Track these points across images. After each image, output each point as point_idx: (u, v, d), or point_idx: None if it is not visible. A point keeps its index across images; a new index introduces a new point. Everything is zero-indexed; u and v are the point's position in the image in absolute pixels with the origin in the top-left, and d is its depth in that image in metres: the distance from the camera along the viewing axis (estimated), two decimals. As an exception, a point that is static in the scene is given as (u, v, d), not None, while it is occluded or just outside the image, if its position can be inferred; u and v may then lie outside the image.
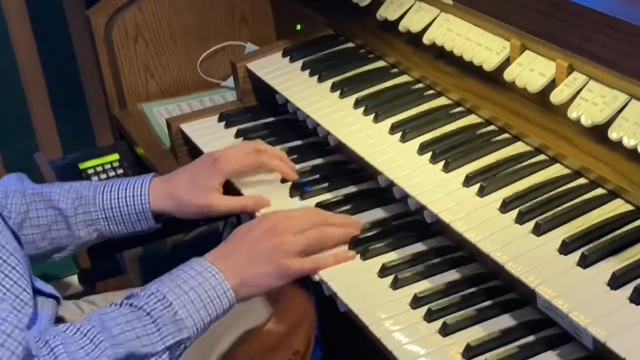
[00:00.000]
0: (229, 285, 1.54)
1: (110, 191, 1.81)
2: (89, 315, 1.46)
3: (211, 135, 2.18)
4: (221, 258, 1.58)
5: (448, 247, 1.68)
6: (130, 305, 1.47)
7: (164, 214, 1.84)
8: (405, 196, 1.71)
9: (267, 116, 2.24)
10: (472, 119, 1.87)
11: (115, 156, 2.43)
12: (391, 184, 1.75)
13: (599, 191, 1.59)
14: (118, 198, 1.80)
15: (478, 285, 1.58)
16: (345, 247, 1.69)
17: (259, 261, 1.59)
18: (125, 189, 1.81)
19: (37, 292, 1.59)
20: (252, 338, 1.80)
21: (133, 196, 1.80)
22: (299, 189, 1.88)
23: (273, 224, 1.64)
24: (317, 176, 1.93)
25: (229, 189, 1.89)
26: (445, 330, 1.47)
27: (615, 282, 1.37)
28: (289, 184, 1.90)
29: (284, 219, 1.65)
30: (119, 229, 1.83)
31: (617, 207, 1.54)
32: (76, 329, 1.41)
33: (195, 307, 1.49)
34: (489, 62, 1.85)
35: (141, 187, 1.81)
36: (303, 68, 2.21)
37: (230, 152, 1.87)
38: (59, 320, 1.69)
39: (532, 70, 1.76)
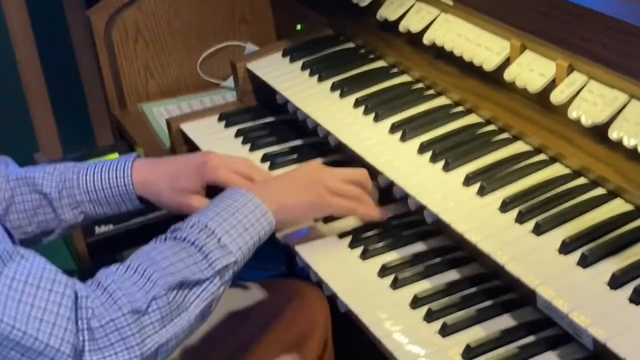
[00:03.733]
0: (266, 208, 1.58)
1: (93, 173, 1.80)
2: (135, 253, 1.48)
3: (211, 135, 2.18)
4: (259, 187, 1.66)
5: (448, 247, 1.68)
6: (175, 238, 1.50)
7: (145, 199, 1.84)
8: (405, 196, 1.71)
9: (267, 116, 2.24)
10: (472, 119, 1.87)
11: (115, 155, 2.43)
12: (391, 184, 1.75)
13: (599, 191, 1.59)
14: (101, 180, 1.79)
15: (478, 285, 1.58)
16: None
17: (298, 190, 1.67)
18: (108, 170, 1.80)
19: None
20: (261, 342, 1.79)
21: (116, 177, 1.79)
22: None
23: (316, 166, 1.75)
24: (317, 176, 1.93)
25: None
26: (445, 331, 1.47)
27: (615, 282, 1.37)
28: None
29: (326, 166, 1.76)
30: (104, 211, 1.82)
31: (617, 207, 1.54)
32: (125, 267, 1.44)
33: (238, 231, 1.52)
34: (489, 62, 1.85)
35: (123, 168, 1.80)
36: (303, 68, 2.21)
37: (224, 162, 1.82)
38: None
39: (532, 70, 1.76)
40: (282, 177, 1.72)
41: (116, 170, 1.79)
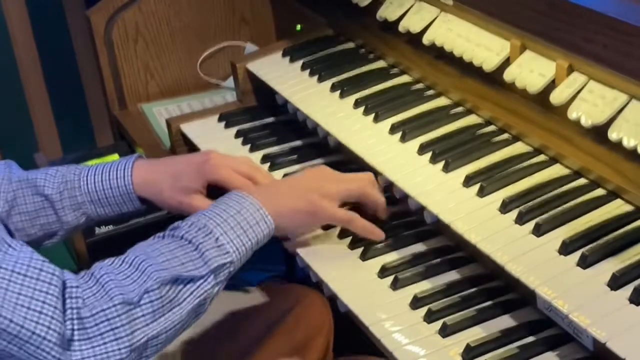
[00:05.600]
0: (266, 211, 1.58)
1: (95, 174, 1.80)
2: (133, 248, 1.49)
3: (211, 136, 2.18)
4: (259, 191, 1.65)
5: (448, 248, 1.68)
6: (172, 236, 1.50)
7: (146, 199, 1.84)
8: (405, 196, 1.71)
9: (267, 116, 2.24)
10: (472, 120, 1.87)
11: (115, 156, 2.43)
12: (391, 184, 1.75)
13: (599, 191, 1.59)
14: (102, 181, 1.80)
15: (478, 285, 1.58)
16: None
17: (296, 197, 1.65)
18: (109, 171, 1.80)
19: None
20: (263, 348, 1.79)
21: (117, 178, 1.80)
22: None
23: (319, 172, 1.74)
24: (317, 176, 1.93)
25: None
26: (445, 331, 1.47)
27: (615, 282, 1.36)
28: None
29: (331, 171, 1.75)
30: (105, 212, 1.82)
31: (617, 207, 1.54)
32: (121, 260, 1.45)
33: (236, 232, 1.52)
34: (489, 62, 1.85)
35: (124, 169, 1.80)
36: (303, 68, 2.21)
37: (226, 161, 1.82)
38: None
39: (532, 70, 1.76)
40: (283, 182, 1.72)
41: (117, 170, 1.79)
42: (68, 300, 1.33)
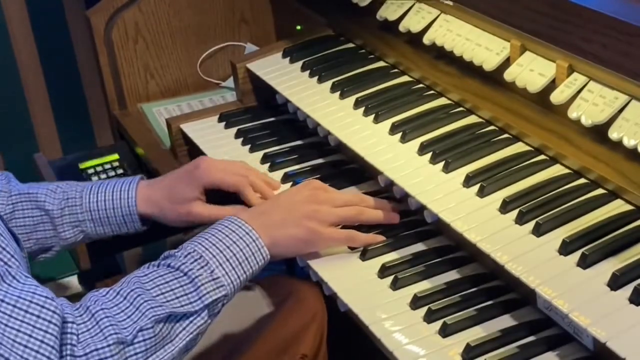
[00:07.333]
0: (262, 242, 1.57)
1: (97, 192, 1.81)
2: (127, 278, 1.48)
3: (211, 136, 2.18)
4: (256, 216, 1.62)
5: (448, 247, 1.68)
6: (168, 266, 1.49)
7: (149, 218, 1.84)
8: (405, 196, 1.71)
9: (267, 116, 2.24)
10: (472, 120, 1.87)
11: (115, 156, 2.44)
12: (391, 184, 1.75)
13: (599, 191, 1.59)
14: (105, 200, 1.80)
15: (478, 285, 1.58)
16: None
17: (293, 224, 1.63)
18: (113, 191, 1.81)
19: None
20: (256, 340, 1.79)
21: (120, 199, 1.80)
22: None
23: (314, 193, 1.70)
24: (318, 176, 1.93)
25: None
26: (445, 331, 1.47)
27: (615, 282, 1.37)
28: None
29: (326, 191, 1.72)
30: (104, 231, 1.83)
31: (617, 207, 1.54)
32: (115, 292, 1.43)
33: (231, 264, 1.52)
34: (489, 62, 1.85)
35: (128, 189, 1.81)
36: (303, 68, 2.21)
37: (217, 163, 1.84)
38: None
39: (532, 70, 1.76)
40: (278, 206, 1.66)
41: (120, 190, 1.81)
42: (64, 337, 1.32)
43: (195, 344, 1.49)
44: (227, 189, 1.84)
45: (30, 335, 1.28)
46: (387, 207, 1.76)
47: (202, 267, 1.49)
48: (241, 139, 2.13)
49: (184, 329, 1.45)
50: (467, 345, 1.42)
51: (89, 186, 1.83)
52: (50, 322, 1.30)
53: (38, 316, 1.29)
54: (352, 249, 1.70)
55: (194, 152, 2.18)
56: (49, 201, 1.79)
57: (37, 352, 1.27)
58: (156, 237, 2.14)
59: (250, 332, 1.80)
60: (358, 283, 1.62)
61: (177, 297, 1.45)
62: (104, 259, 2.35)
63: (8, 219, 1.77)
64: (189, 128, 2.24)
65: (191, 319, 1.45)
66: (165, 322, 1.42)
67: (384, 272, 1.63)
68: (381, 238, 1.70)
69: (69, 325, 1.34)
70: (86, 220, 1.81)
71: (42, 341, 1.28)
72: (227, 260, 1.52)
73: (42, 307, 1.30)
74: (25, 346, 1.27)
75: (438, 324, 1.49)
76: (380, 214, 1.73)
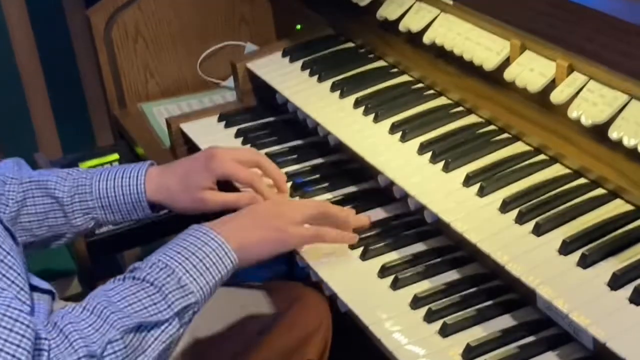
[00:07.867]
0: (230, 247, 1.55)
1: (107, 179, 1.80)
2: (93, 293, 1.46)
3: (211, 135, 2.18)
4: (219, 224, 1.60)
5: (448, 247, 1.68)
6: (134, 278, 1.47)
7: (159, 204, 1.84)
8: (405, 196, 1.71)
9: (267, 116, 2.24)
10: (472, 119, 1.87)
11: (115, 156, 2.44)
12: (391, 184, 1.75)
13: (599, 191, 1.59)
14: (114, 187, 1.80)
15: (478, 285, 1.58)
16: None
17: (260, 226, 1.62)
18: (122, 177, 1.80)
19: (33, 288, 1.59)
20: (261, 346, 1.79)
21: (129, 185, 1.80)
22: (299, 189, 1.88)
23: (278, 199, 1.76)
24: (317, 176, 1.93)
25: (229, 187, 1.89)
26: (445, 331, 1.47)
27: (615, 282, 1.36)
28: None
29: (289, 200, 1.77)
30: (115, 217, 1.82)
31: (617, 207, 1.54)
32: (82, 307, 1.42)
33: (198, 271, 1.49)
34: (489, 62, 1.85)
35: (137, 176, 1.80)
36: (303, 68, 2.21)
37: (229, 153, 1.84)
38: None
39: (532, 70, 1.76)
40: (243, 215, 1.65)
41: (130, 177, 1.80)
42: (36, 352, 1.30)
43: (169, 356, 1.47)
44: (239, 183, 1.86)
45: (1, 349, 1.26)
46: (350, 212, 1.75)
47: (169, 276, 1.47)
48: (241, 139, 2.13)
49: (155, 338, 1.43)
50: (467, 345, 1.42)
51: (99, 173, 1.82)
52: (23, 336, 1.28)
53: (10, 330, 1.28)
54: (353, 246, 1.70)
55: (194, 151, 2.18)
56: (59, 188, 1.79)
57: None
58: (156, 237, 2.14)
59: (255, 337, 1.80)
60: (358, 283, 1.62)
61: (146, 307, 1.43)
62: (104, 258, 2.35)
63: (19, 206, 1.76)
64: (188, 128, 2.24)
65: (162, 327, 1.43)
66: (135, 332, 1.40)
67: (384, 272, 1.62)
68: (352, 236, 1.70)
69: (43, 341, 1.32)
70: (96, 207, 1.80)
71: (13, 355, 1.26)
72: (194, 267, 1.49)
73: (16, 320, 1.29)
74: None
75: (438, 324, 1.49)
76: (345, 214, 1.73)
